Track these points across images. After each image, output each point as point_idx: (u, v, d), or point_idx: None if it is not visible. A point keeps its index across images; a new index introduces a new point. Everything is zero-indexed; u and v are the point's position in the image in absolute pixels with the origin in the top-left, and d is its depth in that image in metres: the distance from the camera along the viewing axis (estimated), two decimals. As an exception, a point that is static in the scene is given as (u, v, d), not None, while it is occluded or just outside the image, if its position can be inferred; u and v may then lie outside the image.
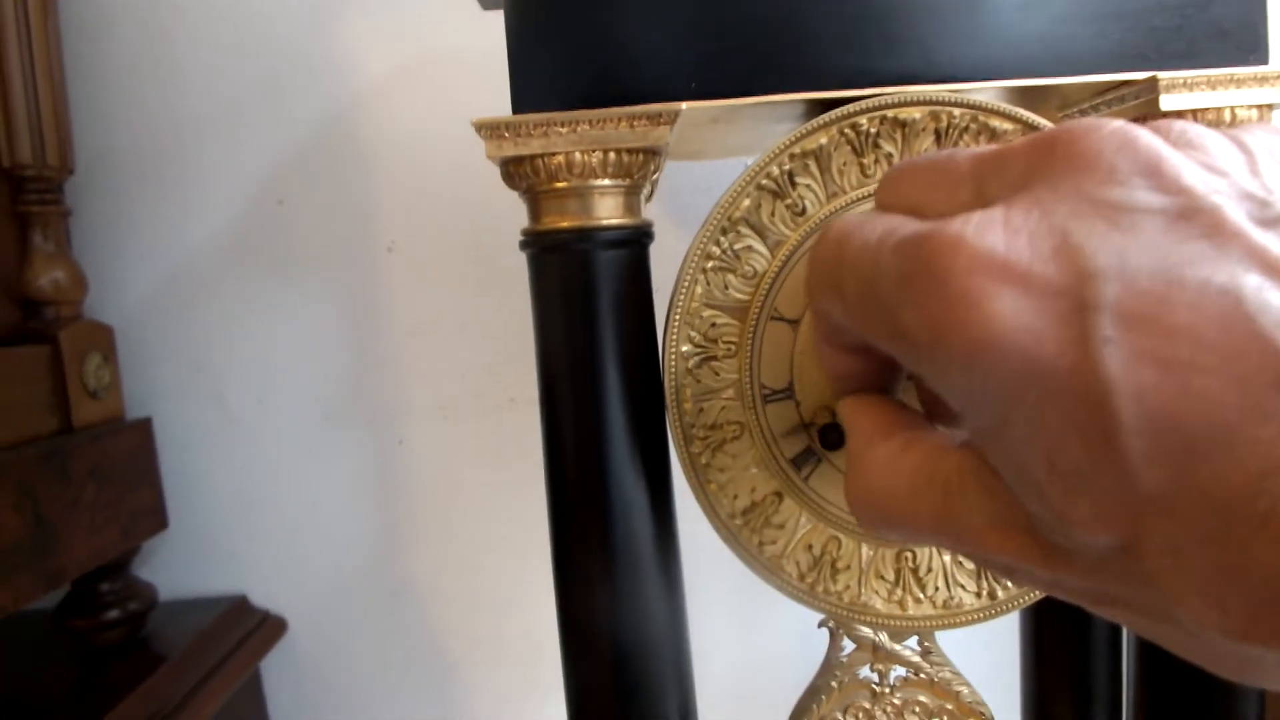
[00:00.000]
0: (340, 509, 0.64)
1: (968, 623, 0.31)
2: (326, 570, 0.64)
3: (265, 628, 0.62)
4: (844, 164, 0.29)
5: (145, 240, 0.61)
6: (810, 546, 0.30)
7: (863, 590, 0.30)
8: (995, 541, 0.16)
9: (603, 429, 0.29)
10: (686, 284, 0.29)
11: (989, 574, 0.30)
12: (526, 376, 0.62)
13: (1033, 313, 0.14)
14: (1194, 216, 0.14)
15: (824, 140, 0.28)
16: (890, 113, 0.28)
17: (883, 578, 0.30)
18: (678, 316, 0.29)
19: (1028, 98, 0.30)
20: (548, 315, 0.30)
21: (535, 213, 0.29)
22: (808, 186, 0.29)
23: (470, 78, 0.59)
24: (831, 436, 0.29)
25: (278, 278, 0.62)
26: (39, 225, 0.52)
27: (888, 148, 0.28)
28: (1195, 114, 0.29)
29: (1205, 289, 0.13)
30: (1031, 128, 0.28)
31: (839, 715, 0.35)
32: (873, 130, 0.28)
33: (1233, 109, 0.29)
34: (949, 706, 0.34)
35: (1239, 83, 0.28)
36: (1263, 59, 0.29)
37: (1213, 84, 0.28)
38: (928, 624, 0.31)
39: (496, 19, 0.29)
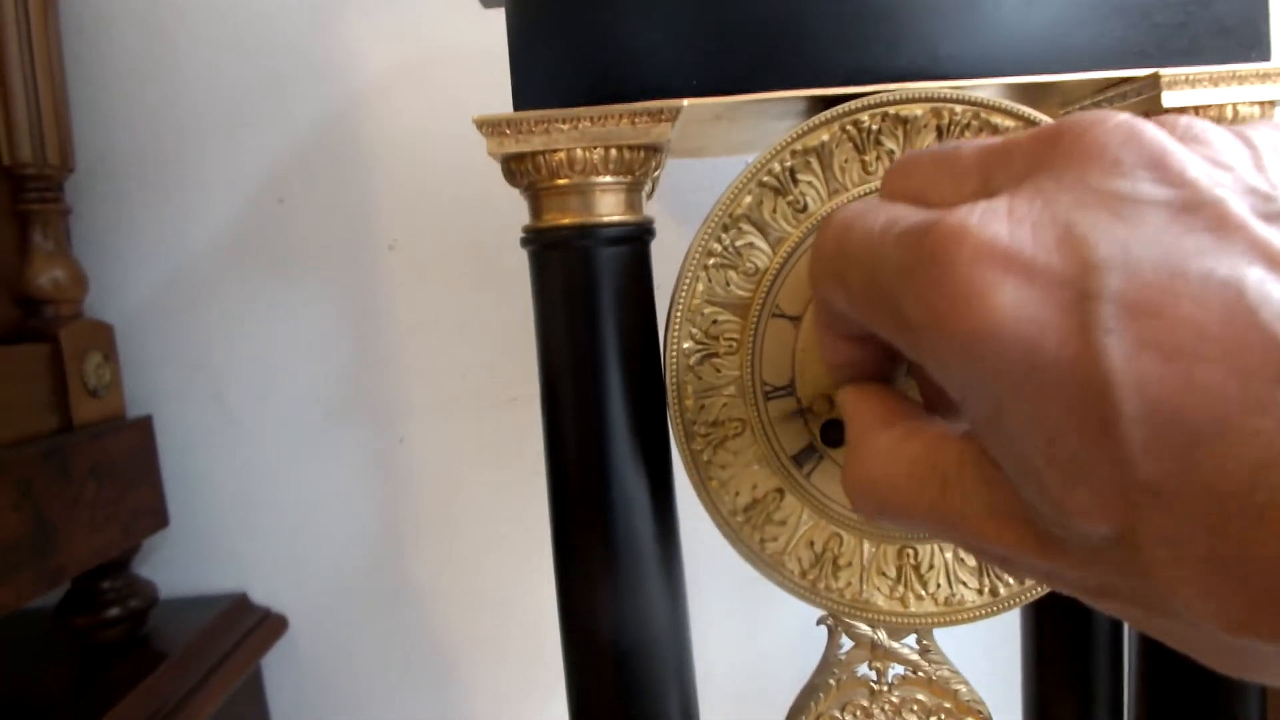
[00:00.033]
0: (341, 507, 0.64)
1: (969, 620, 0.31)
2: (327, 569, 0.64)
3: (266, 626, 0.62)
4: (846, 161, 0.28)
5: (145, 240, 0.61)
6: (812, 543, 0.30)
7: (864, 587, 0.30)
8: (993, 531, 0.16)
9: (604, 426, 0.29)
10: (688, 281, 0.29)
11: (991, 571, 0.30)
12: (527, 375, 0.62)
13: (1035, 302, 0.14)
14: (1198, 209, 0.14)
15: (826, 137, 0.28)
16: (892, 109, 0.28)
17: (884, 575, 0.30)
18: (679, 313, 0.29)
19: (1029, 94, 0.30)
20: (549, 312, 0.30)
21: (536, 210, 0.29)
22: (809, 183, 0.29)
23: (471, 76, 0.59)
24: (833, 434, 0.29)
25: (278, 277, 0.62)
26: (39, 224, 0.52)
27: (889, 144, 0.28)
28: (1197, 110, 0.29)
29: (1208, 281, 0.13)
30: (1033, 124, 0.28)
31: (837, 713, 0.35)
32: (874, 127, 0.28)
33: (1234, 105, 0.29)
34: (947, 705, 0.34)
35: (1241, 79, 0.28)
36: (1264, 55, 0.29)
37: (1215, 80, 0.28)
38: (929, 621, 0.31)
39: (497, 17, 0.29)
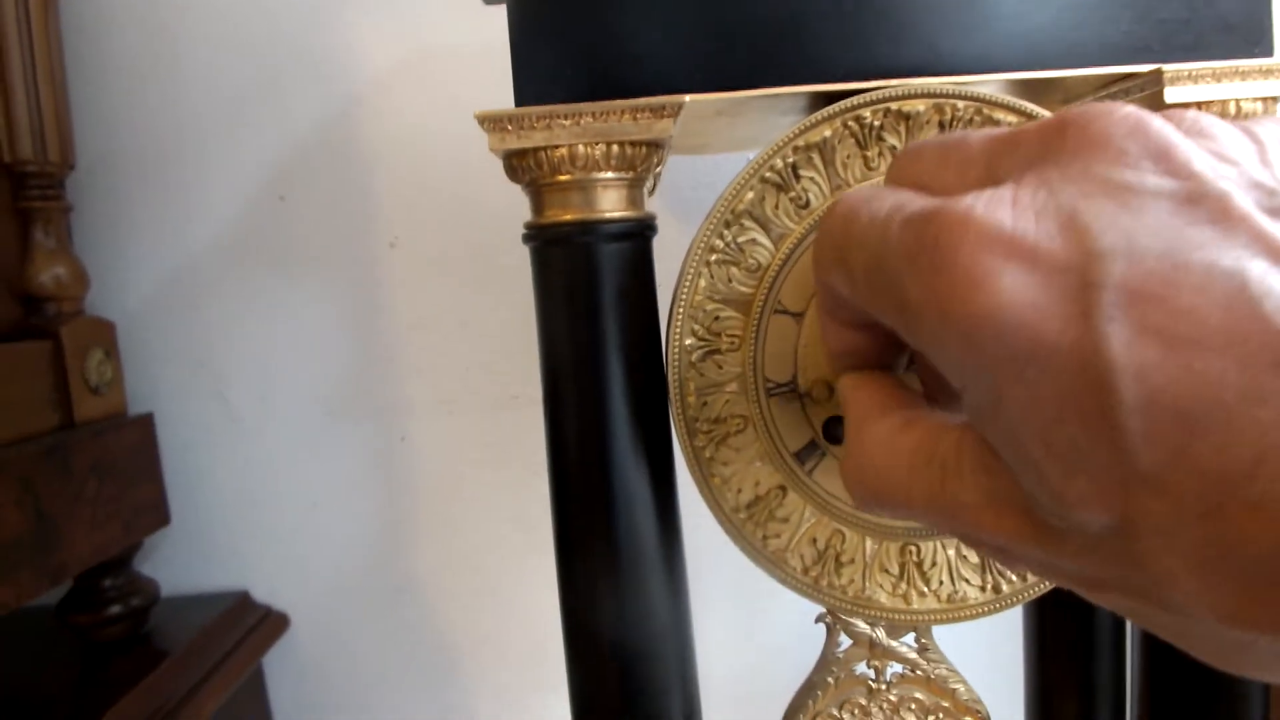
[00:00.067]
0: (342, 505, 0.64)
1: (972, 616, 0.30)
2: (329, 567, 0.64)
3: (267, 624, 0.62)
4: (848, 157, 0.28)
5: (147, 238, 0.61)
6: (815, 540, 0.30)
7: (867, 584, 0.30)
8: (990, 520, 0.16)
9: (606, 423, 0.29)
10: (690, 277, 0.29)
11: (994, 567, 0.30)
12: (528, 373, 0.62)
13: (1037, 289, 0.14)
14: (1202, 201, 0.14)
15: (828, 133, 0.28)
16: (894, 105, 0.28)
17: (887, 571, 0.30)
18: (681, 310, 0.29)
19: (1032, 90, 0.30)
20: (551, 309, 0.30)
21: (538, 206, 0.29)
22: (811, 179, 0.29)
23: (471, 74, 0.59)
24: (835, 430, 0.29)
25: (279, 275, 0.62)
26: (40, 221, 0.52)
27: (891, 140, 0.28)
28: (1200, 106, 0.28)
29: (1211, 272, 0.13)
30: (1035, 120, 0.27)
31: (835, 711, 0.35)
32: (876, 123, 0.28)
33: (1238, 101, 0.29)
34: (945, 704, 0.34)
35: (1244, 75, 0.28)
36: (1268, 51, 0.29)
37: (1218, 76, 0.28)
38: (932, 618, 0.31)
39: (497, 14, 0.29)
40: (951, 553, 0.30)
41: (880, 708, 0.34)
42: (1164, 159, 0.14)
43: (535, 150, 0.28)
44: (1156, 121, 0.15)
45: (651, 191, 0.33)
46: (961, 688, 0.34)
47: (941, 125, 0.28)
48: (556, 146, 0.28)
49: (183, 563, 0.64)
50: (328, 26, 0.59)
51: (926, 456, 0.18)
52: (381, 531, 0.64)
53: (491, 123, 0.28)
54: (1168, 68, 0.28)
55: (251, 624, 0.61)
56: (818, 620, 0.34)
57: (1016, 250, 0.14)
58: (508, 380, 0.62)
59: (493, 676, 0.66)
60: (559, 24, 0.28)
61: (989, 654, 0.57)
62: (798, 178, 0.29)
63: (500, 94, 0.29)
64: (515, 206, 0.31)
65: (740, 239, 0.29)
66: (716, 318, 0.29)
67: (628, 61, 0.28)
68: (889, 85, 0.28)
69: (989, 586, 0.30)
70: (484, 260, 0.61)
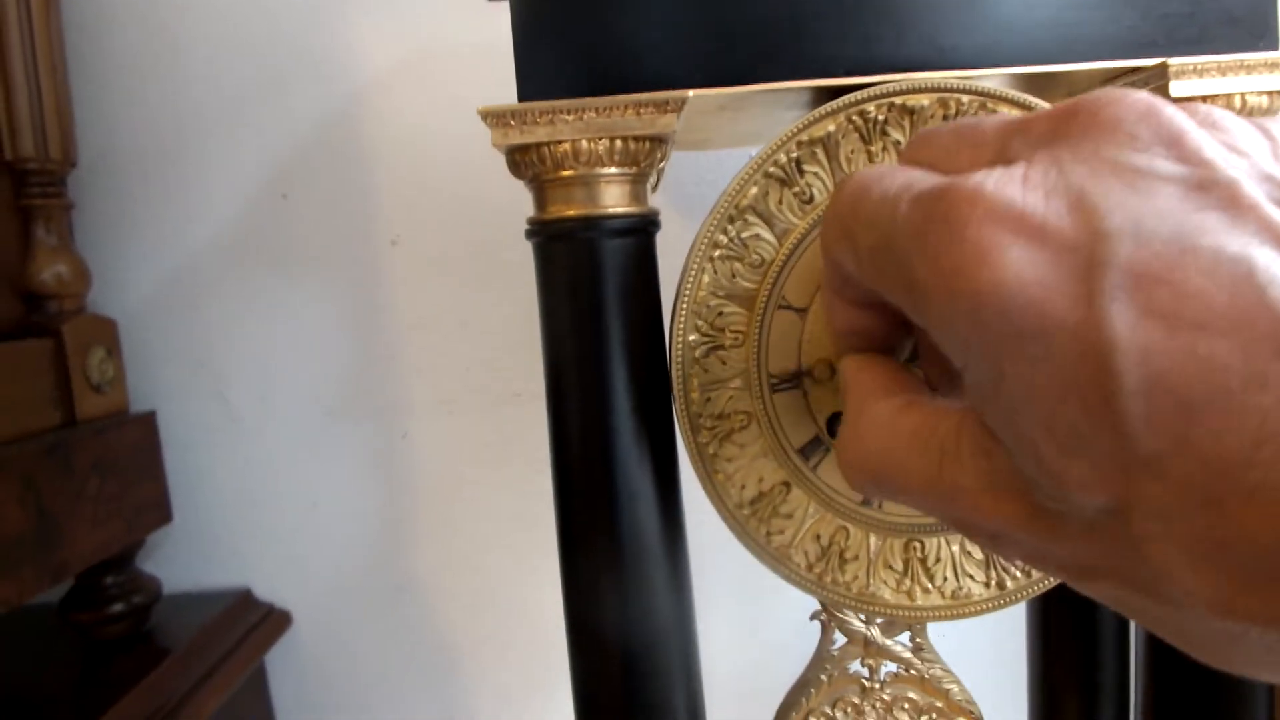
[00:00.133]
0: (344, 503, 0.64)
1: (976, 613, 0.30)
2: (331, 565, 0.64)
3: (269, 622, 0.62)
4: (852, 151, 0.28)
5: (148, 237, 0.61)
6: (818, 536, 0.30)
7: (871, 580, 0.30)
8: (987, 505, 0.16)
9: (609, 419, 0.29)
10: (693, 273, 0.29)
11: (998, 564, 0.30)
12: (530, 370, 0.62)
13: (1044, 266, 0.14)
14: (1211, 188, 0.14)
15: (831, 128, 0.28)
16: (898, 100, 0.28)
17: (891, 568, 0.30)
18: (685, 305, 0.29)
19: (1036, 84, 0.30)
20: (554, 304, 0.30)
21: (541, 201, 0.29)
22: (815, 174, 0.28)
23: (471, 73, 0.59)
24: (839, 426, 0.29)
25: (280, 274, 0.61)
26: (41, 219, 0.52)
27: (895, 135, 0.28)
28: (1205, 100, 0.28)
29: (1218, 257, 0.13)
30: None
31: (828, 709, 0.35)
32: (880, 117, 0.28)
33: (1243, 95, 0.28)
34: (939, 704, 0.34)
35: (1249, 69, 0.28)
36: (1272, 45, 0.29)
37: (1223, 70, 0.28)
38: (937, 614, 0.31)
39: (498, 13, 0.29)
40: (956, 549, 0.30)
41: (873, 706, 0.34)
42: (1175, 145, 0.14)
43: (538, 145, 0.28)
44: (1170, 108, 0.15)
45: (655, 187, 0.33)
46: (955, 688, 0.34)
47: (945, 119, 0.28)
48: (560, 142, 0.28)
49: (184, 560, 0.64)
50: (328, 26, 0.59)
51: (925, 439, 0.17)
52: (383, 529, 0.64)
53: (494, 118, 0.28)
54: (1173, 62, 0.28)
55: (253, 622, 0.61)
56: (812, 617, 0.34)
57: (1025, 227, 0.14)
58: (509, 378, 0.62)
59: (494, 675, 0.66)
60: (562, 20, 0.28)
61: (992, 651, 0.57)
62: (801, 173, 0.28)
63: (501, 94, 0.29)
64: (516, 205, 0.31)
65: (744, 234, 0.29)
66: (720, 313, 0.29)
67: (630, 57, 0.28)
68: (892, 80, 0.28)
69: (993, 583, 0.30)
70: (485, 258, 0.61)
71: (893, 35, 0.28)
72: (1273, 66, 0.28)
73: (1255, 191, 0.14)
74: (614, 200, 0.29)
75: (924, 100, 0.28)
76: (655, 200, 0.32)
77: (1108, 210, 0.14)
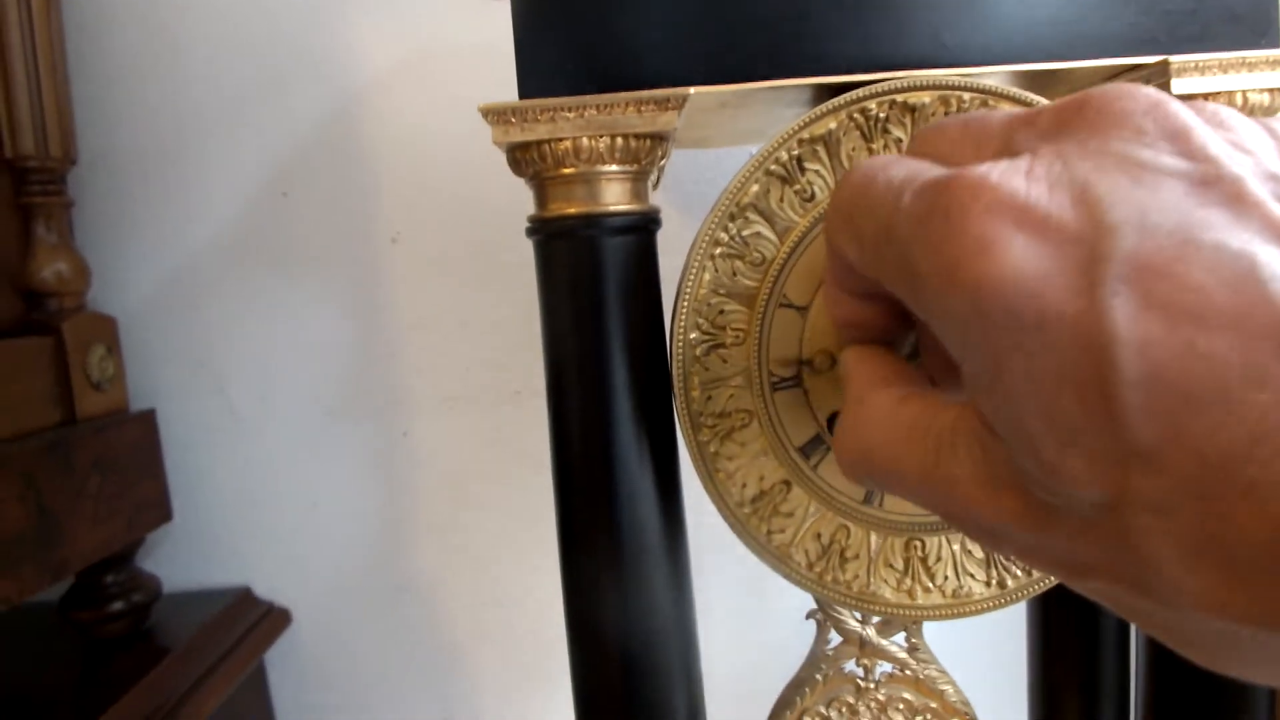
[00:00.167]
0: (344, 502, 0.64)
1: (977, 612, 0.30)
2: (331, 563, 0.64)
3: (269, 620, 0.62)
4: (853, 149, 0.28)
5: (148, 236, 0.61)
6: (819, 535, 0.30)
7: (871, 579, 0.30)
8: (983, 498, 0.16)
9: (610, 417, 0.29)
10: (694, 271, 0.29)
11: (998, 562, 0.30)
12: (530, 369, 0.62)
13: (1046, 258, 0.14)
14: (1215, 184, 0.14)
15: (833, 125, 0.28)
16: (899, 97, 0.28)
17: (892, 567, 0.30)
18: (685, 303, 0.29)
19: (1038, 82, 0.30)
20: (554, 302, 0.30)
21: (542, 199, 0.29)
22: (816, 172, 0.28)
23: (471, 73, 0.59)
24: (840, 424, 0.29)
25: (280, 273, 0.61)
26: (42, 217, 0.52)
27: (897, 133, 0.28)
28: (1207, 97, 0.28)
29: (1221, 252, 0.13)
30: None
31: (822, 708, 0.34)
32: (882, 115, 0.28)
33: (1244, 93, 0.28)
34: (933, 705, 0.34)
35: (1251, 66, 0.28)
36: (1274, 42, 0.29)
37: (1225, 67, 0.28)
38: (937, 613, 0.30)
39: (497, 14, 0.29)
40: (956, 548, 0.30)
41: (868, 706, 0.34)
42: (1181, 140, 0.14)
43: (539, 143, 0.28)
44: (1176, 104, 0.15)
45: (656, 185, 0.33)
46: (950, 689, 0.34)
47: (946, 116, 0.28)
48: (560, 139, 0.28)
49: (185, 559, 0.64)
50: (328, 26, 0.59)
51: (923, 431, 0.17)
52: (383, 528, 0.64)
53: (495, 115, 0.28)
54: (1174, 59, 0.28)
55: (253, 620, 0.61)
56: (808, 616, 0.34)
57: (1028, 219, 0.14)
58: (509, 377, 0.62)
59: (495, 673, 0.66)
60: (563, 17, 0.28)
61: (992, 652, 0.57)
62: (803, 170, 0.28)
63: (501, 93, 0.29)
64: (516, 204, 0.31)
65: (745, 232, 0.29)
66: (721, 311, 0.29)
67: (631, 54, 0.28)
68: (894, 77, 0.28)
69: (994, 581, 0.30)
70: (485, 257, 0.61)
71: (894, 33, 0.28)
72: (1275, 64, 0.28)
73: (1259, 189, 0.14)
74: (615, 198, 0.29)
75: (925, 98, 0.28)
76: (656, 198, 0.32)
77: (1111, 203, 0.14)
